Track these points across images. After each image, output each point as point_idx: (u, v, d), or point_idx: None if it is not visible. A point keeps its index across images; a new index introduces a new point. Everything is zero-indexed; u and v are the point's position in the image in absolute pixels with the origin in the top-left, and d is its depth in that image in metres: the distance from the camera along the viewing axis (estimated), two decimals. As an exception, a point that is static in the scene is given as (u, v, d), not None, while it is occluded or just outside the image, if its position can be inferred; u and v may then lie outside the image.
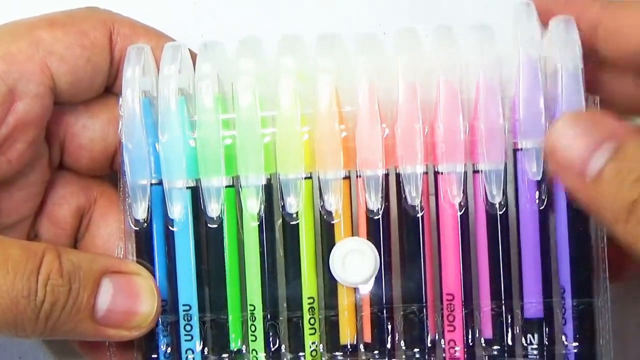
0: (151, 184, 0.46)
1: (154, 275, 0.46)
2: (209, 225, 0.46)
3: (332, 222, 0.46)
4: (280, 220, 0.46)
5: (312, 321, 0.46)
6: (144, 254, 0.47)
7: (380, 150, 0.45)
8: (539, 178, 0.45)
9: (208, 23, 0.53)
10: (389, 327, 0.46)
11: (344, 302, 0.46)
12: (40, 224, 0.49)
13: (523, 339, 0.45)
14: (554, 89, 0.45)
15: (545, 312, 0.45)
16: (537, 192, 0.45)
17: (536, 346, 0.45)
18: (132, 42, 0.47)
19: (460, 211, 0.45)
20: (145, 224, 0.46)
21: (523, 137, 0.45)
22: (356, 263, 0.45)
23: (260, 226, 0.46)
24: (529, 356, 0.45)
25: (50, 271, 0.43)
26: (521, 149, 0.45)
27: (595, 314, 0.45)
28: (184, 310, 0.46)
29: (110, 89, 0.48)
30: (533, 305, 0.45)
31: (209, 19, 0.53)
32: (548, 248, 0.45)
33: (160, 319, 0.46)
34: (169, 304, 0.47)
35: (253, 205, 0.46)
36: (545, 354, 0.45)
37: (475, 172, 0.45)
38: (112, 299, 0.45)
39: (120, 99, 0.47)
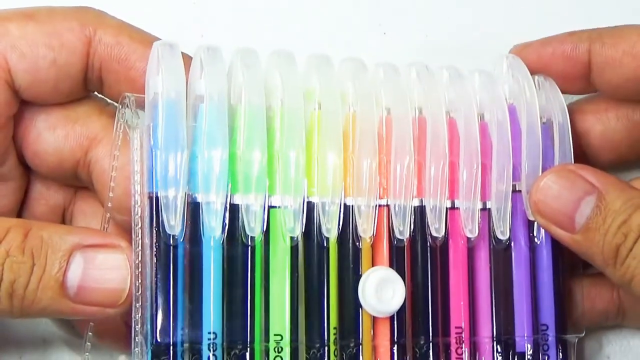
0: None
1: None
2: (246, 245, 0.43)
3: (361, 251, 0.44)
4: (305, 245, 0.44)
5: (336, 353, 0.44)
6: (167, 274, 0.42)
7: (413, 181, 0.45)
8: None
9: (208, 23, 0.51)
10: (406, 358, 0.45)
11: (365, 332, 0.45)
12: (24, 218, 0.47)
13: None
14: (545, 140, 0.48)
15: (534, 347, 0.47)
16: (530, 232, 0.48)
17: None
18: (114, 52, 0.44)
19: (471, 246, 0.46)
20: (174, 241, 0.42)
21: (524, 180, 0.47)
22: (389, 291, 0.44)
23: (293, 251, 0.43)
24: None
25: (10, 248, 0.41)
26: (520, 191, 0.47)
27: (573, 350, 0.48)
28: (209, 339, 0.42)
29: (100, 92, 0.46)
30: (521, 339, 0.47)
31: (209, 19, 0.52)
32: (538, 284, 0.48)
33: (173, 351, 0.42)
34: (188, 332, 0.42)
35: (291, 226, 0.43)
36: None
37: (483, 209, 0.47)
38: (83, 275, 0.42)
39: (119, 109, 0.43)
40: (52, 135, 0.45)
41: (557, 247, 0.48)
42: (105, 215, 0.44)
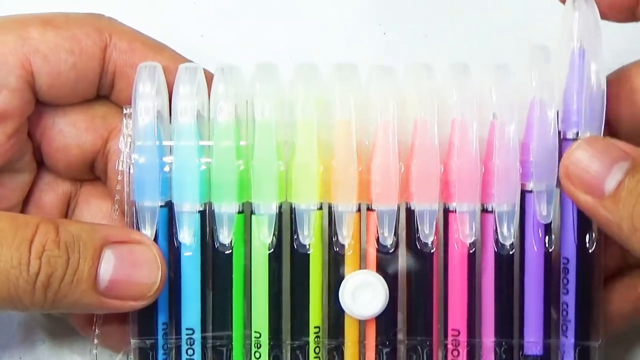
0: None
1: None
2: (219, 250, 0.46)
3: (343, 255, 0.46)
4: (289, 249, 0.46)
5: (317, 350, 0.46)
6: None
7: (397, 185, 0.45)
8: (549, 221, 0.46)
9: (208, 23, 0.53)
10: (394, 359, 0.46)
11: (349, 333, 0.46)
12: (27, 210, 0.48)
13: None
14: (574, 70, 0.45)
15: (545, 351, 0.46)
16: (546, 235, 0.46)
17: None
18: (128, 58, 0.47)
19: (471, 250, 0.46)
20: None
21: (535, 179, 0.46)
22: (367, 296, 0.45)
23: (271, 254, 0.46)
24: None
25: (45, 242, 0.43)
26: (531, 191, 0.46)
27: (593, 355, 0.47)
28: (187, 335, 0.46)
29: (108, 97, 0.48)
30: (533, 344, 0.46)
31: (209, 19, 0.53)
32: (551, 289, 0.46)
33: (160, 342, 0.46)
34: (170, 327, 0.46)
35: (265, 233, 0.46)
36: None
37: (486, 212, 0.46)
38: (115, 270, 0.44)
39: (125, 112, 0.46)
40: (73, 130, 0.47)
41: (580, 250, 0.46)
42: (114, 207, 0.47)
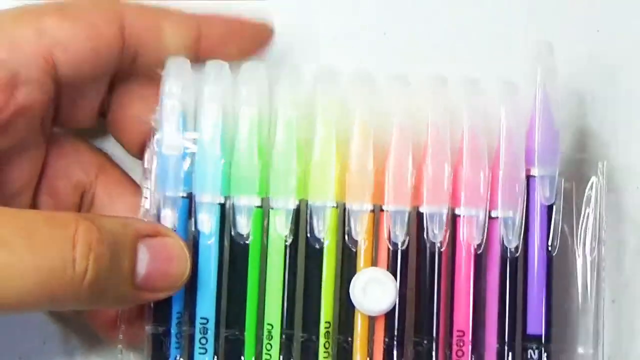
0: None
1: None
2: (237, 242, 0.47)
3: (356, 251, 0.47)
4: (304, 245, 0.48)
5: (326, 345, 0.47)
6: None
7: (410, 188, 0.47)
8: (552, 202, 0.48)
9: None
10: (400, 356, 0.48)
11: (359, 329, 0.48)
12: (40, 199, 0.49)
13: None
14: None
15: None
16: (547, 239, 0.48)
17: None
18: (143, 27, 0.47)
19: (477, 253, 0.48)
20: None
21: (539, 164, 0.48)
22: (377, 292, 0.47)
23: (287, 247, 0.47)
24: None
25: (91, 241, 0.42)
26: (535, 176, 0.48)
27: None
28: (201, 324, 0.47)
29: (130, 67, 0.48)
30: (534, 346, 0.48)
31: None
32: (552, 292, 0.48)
33: (174, 330, 0.47)
34: (185, 316, 0.47)
35: (282, 227, 0.47)
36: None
37: (491, 218, 0.48)
38: (149, 263, 0.45)
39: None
40: None
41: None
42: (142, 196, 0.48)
